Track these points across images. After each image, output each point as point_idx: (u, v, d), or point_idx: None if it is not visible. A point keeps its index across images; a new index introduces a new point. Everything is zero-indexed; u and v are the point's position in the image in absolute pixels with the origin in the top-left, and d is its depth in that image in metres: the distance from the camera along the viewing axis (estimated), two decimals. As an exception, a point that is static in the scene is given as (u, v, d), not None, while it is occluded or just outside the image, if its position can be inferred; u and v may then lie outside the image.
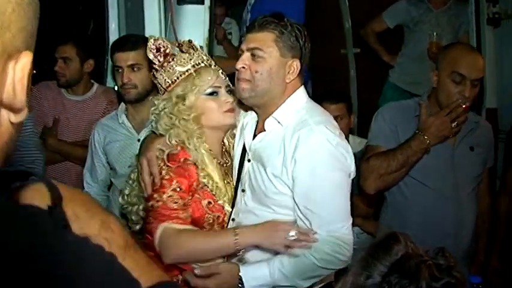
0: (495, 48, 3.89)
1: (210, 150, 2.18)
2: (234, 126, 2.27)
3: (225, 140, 2.31)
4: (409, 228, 2.66)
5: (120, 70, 2.81)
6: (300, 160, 1.98)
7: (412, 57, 4.40)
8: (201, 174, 2.11)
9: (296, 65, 2.08)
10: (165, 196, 2.05)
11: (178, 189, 2.06)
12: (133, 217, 2.26)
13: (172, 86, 2.17)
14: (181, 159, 2.10)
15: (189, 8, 3.00)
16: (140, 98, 2.84)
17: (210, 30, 3.05)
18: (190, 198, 2.09)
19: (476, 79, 2.68)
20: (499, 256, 3.08)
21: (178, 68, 2.15)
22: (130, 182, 2.26)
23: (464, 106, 2.63)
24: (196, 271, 1.97)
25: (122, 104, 2.96)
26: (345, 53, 5.09)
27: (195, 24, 3.01)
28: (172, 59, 2.17)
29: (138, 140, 2.85)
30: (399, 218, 2.80)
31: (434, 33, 4.08)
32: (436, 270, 1.19)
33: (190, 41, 2.23)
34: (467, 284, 1.25)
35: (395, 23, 4.47)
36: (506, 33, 3.95)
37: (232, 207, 2.18)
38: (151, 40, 2.19)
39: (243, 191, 2.16)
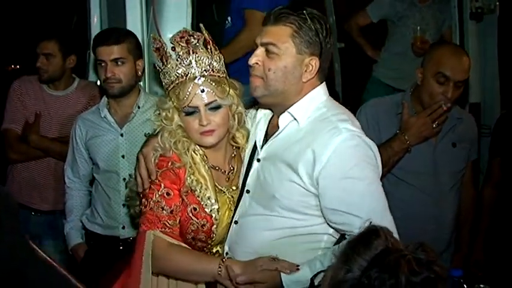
0: (478, 42, 3.92)
1: (205, 156, 2.09)
2: (217, 144, 2.08)
3: (239, 140, 2.16)
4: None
5: (103, 64, 2.77)
6: (328, 163, 1.83)
7: (396, 52, 4.40)
8: (189, 178, 2.03)
9: (315, 63, 1.91)
10: (152, 202, 2.01)
11: (166, 195, 2.01)
12: (132, 211, 2.27)
13: (167, 92, 2.06)
14: (170, 163, 2.02)
15: (171, 2, 2.98)
16: (124, 92, 2.81)
17: (193, 24, 3.03)
18: (179, 204, 2.02)
19: (461, 81, 2.69)
20: (482, 248, 3.12)
21: (166, 79, 2.03)
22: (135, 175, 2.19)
23: (445, 108, 2.65)
24: (239, 279, 1.87)
25: (104, 98, 2.91)
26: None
27: (177, 18, 2.98)
28: (167, 63, 2.01)
29: (121, 135, 2.83)
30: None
31: (418, 28, 4.09)
32: (416, 264, 1.19)
33: (187, 40, 1.99)
34: (448, 278, 1.25)
35: (380, 17, 4.47)
36: (488, 28, 3.99)
37: (236, 208, 2.07)
38: (152, 39, 2.07)
39: (248, 191, 2.03)
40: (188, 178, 2.02)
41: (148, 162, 2.04)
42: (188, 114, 2.00)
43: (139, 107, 2.84)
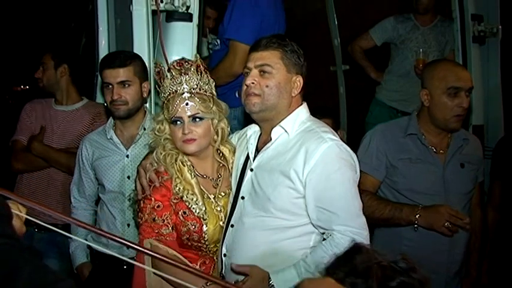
0: (481, 65, 3.95)
1: (192, 166, 2.35)
2: (199, 153, 2.35)
3: (225, 153, 2.43)
4: (403, 245, 2.70)
5: (110, 86, 2.81)
6: (315, 166, 2.12)
7: (399, 74, 4.44)
8: (177, 187, 2.29)
9: (299, 80, 2.26)
10: (146, 214, 2.28)
11: (156, 207, 2.27)
12: (136, 206, 2.45)
13: (163, 107, 2.36)
14: (159, 178, 2.29)
15: (178, 25, 3.04)
16: (130, 114, 2.85)
17: (198, 47, 3.08)
18: (171, 213, 2.28)
19: (470, 88, 2.76)
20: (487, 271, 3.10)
21: (162, 95, 2.35)
22: None
23: (468, 227, 2.68)
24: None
25: (110, 119, 2.95)
26: (334, 70, 5.14)
27: (183, 41, 3.04)
28: (164, 82, 2.33)
29: (127, 156, 2.87)
30: (393, 235, 2.81)
31: (421, 50, 4.13)
32: (391, 270, 1.24)
33: (181, 64, 2.32)
34: (429, 286, 1.29)
35: (383, 40, 4.52)
36: (491, 51, 4.02)
37: (231, 214, 2.31)
38: (155, 64, 2.40)
39: (243, 198, 2.28)
40: (175, 187, 2.29)
41: (142, 178, 2.32)
42: (174, 123, 2.29)
43: (144, 129, 2.88)
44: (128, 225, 2.85)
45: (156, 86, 2.41)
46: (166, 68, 2.32)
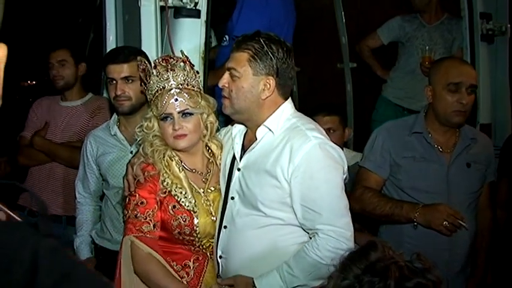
0: (489, 64, 3.93)
1: (180, 161, 2.36)
2: (190, 148, 2.37)
3: (213, 149, 2.44)
4: (405, 243, 2.70)
5: (113, 82, 2.81)
6: (299, 165, 2.11)
7: (404, 71, 4.44)
8: (165, 181, 2.31)
9: (271, 82, 2.18)
10: (129, 211, 2.29)
11: (140, 203, 2.28)
12: None
13: (150, 104, 2.37)
14: (145, 172, 2.30)
15: (185, 22, 3.03)
16: (134, 109, 2.85)
17: (206, 44, 3.08)
18: (154, 210, 2.29)
19: (471, 85, 2.74)
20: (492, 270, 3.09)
21: (149, 93, 2.34)
22: None
23: (467, 229, 2.67)
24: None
25: (114, 115, 2.95)
26: (341, 68, 5.13)
27: (191, 38, 3.03)
28: (149, 80, 2.33)
29: (131, 152, 2.86)
30: (395, 233, 2.83)
31: (427, 48, 4.11)
32: (408, 271, 1.24)
33: (166, 60, 2.32)
34: (442, 287, 1.30)
35: (390, 39, 4.52)
36: (500, 50, 4.00)
37: (222, 215, 2.30)
38: (139, 61, 2.40)
39: (232, 198, 2.28)
40: (163, 181, 2.30)
41: (129, 174, 2.33)
42: (163, 119, 2.29)
43: (148, 125, 2.89)
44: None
45: (142, 84, 2.42)
46: (153, 65, 2.33)
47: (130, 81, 2.80)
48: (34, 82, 7.85)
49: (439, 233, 2.68)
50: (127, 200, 2.32)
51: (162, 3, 3.00)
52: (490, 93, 3.94)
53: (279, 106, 2.23)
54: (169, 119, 2.29)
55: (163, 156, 2.32)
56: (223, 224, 2.29)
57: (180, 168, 2.34)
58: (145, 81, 2.35)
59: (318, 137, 2.15)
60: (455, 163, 2.81)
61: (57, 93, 3.63)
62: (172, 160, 2.33)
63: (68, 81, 3.54)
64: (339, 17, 4.98)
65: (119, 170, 2.86)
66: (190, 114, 2.30)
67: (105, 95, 3.62)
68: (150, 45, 2.98)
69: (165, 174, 2.31)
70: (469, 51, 3.91)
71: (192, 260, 2.35)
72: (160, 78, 2.29)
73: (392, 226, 2.84)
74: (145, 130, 2.34)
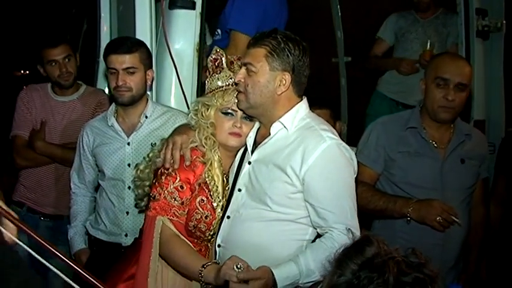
0: (484, 60, 3.94)
1: (221, 159, 2.36)
2: (235, 148, 2.38)
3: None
4: (398, 238, 2.70)
5: (114, 72, 2.78)
6: (313, 165, 2.13)
7: (399, 66, 4.43)
8: (206, 174, 2.30)
9: (287, 78, 2.20)
10: (166, 191, 2.27)
11: (180, 187, 2.27)
12: (139, 191, 2.49)
13: (209, 94, 2.38)
14: (193, 157, 2.29)
15: (180, 13, 3.02)
16: (134, 101, 2.83)
17: (201, 36, 3.06)
18: (190, 197, 2.28)
19: (461, 83, 2.73)
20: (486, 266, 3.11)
21: (218, 82, 2.36)
22: (147, 159, 2.45)
23: (459, 224, 2.67)
24: (239, 275, 2.01)
25: (112, 106, 2.93)
26: (336, 62, 5.12)
27: (185, 29, 3.02)
28: (219, 72, 2.37)
29: (128, 144, 2.85)
30: (388, 228, 2.83)
31: (429, 42, 4.10)
32: (405, 266, 1.25)
33: (239, 59, 2.38)
34: (439, 280, 1.31)
35: (393, 38, 4.49)
36: (495, 46, 4.00)
37: (227, 206, 2.31)
38: (214, 50, 2.40)
39: (239, 190, 2.29)
40: (205, 173, 2.30)
41: (175, 150, 2.30)
42: (225, 114, 2.33)
43: (146, 117, 2.87)
44: (127, 212, 2.84)
45: (208, 71, 2.42)
46: (225, 59, 2.36)
47: (132, 72, 2.78)
48: (27, 72, 7.80)
49: (433, 229, 2.69)
50: (163, 178, 2.29)
51: (157, -6, 2.98)
52: (485, 90, 3.95)
53: (294, 104, 2.26)
54: (231, 115, 2.33)
55: (213, 149, 2.33)
56: (227, 214, 2.30)
57: (221, 167, 2.36)
58: (211, 70, 2.38)
59: (332, 137, 2.18)
60: (449, 159, 2.81)
61: (43, 80, 3.50)
62: (216, 156, 2.35)
63: (75, 77, 3.44)
64: (334, 11, 4.97)
65: (115, 161, 2.85)
66: (251, 120, 2.33)
67: (99, 85, 3.60)
68: (144, 36, 2.97)
69: (209, 167, 2.32)
70: (464, 47, 3.92)
71: None
72: (232, 75, 2.33)
73: (386, 221, 2.84)
74: (201, 116, 2.35)
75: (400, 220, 2.76)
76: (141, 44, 2.87)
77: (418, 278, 1.25)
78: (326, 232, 2.15)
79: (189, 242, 2.28)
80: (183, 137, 2.36)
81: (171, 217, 2.26)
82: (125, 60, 2.77)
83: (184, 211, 2.28)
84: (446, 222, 2.65)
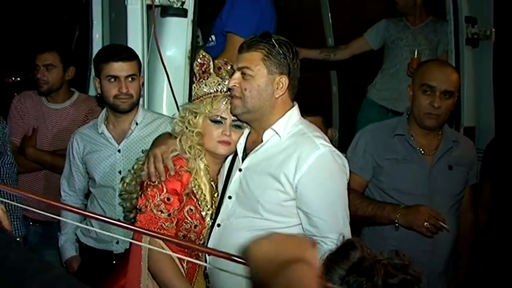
0: (473, 68, 3.97)
1: (208, 167, 2.33)
2: (223, 157, 2.36)
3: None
4: (387, 244, 2.71)
5: (114, 80, 2.76)
6: (306, 173, 2.11)
7: (389, 73, 4.43)
8: (193, 183, 2.26)
9: (284, 80, 2.19)
10: (153, 204, 2.23)
11: (166, 200, 2.23)
12: (127, 204, 2.49)
13: (197, 100, 2.34)
14: (177, 166, 2.25)
15: (172, 21, 3.02)
16: (132, 108, 2.84)
17: (193, 43, 3.07)
18: (177, 208, 2.24)
19: (447, 91, 2.74)
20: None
21: (205, 89, 2.32)
22: (133, 171, 2.44)
23: (448, 230, 2.69)
24: None
25: (103, 112, 2.92)
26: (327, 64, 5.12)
27: (177, 37, 3.03)
28: (207, 78, 2.33)
29: (119, 151, 2.85)
30: (378, 235, 2.84)
31: (416, 50, 4.13)
32: (391, 268, 1.27)
33: (227, 63, 2.36)
34: (421, 280, 1.33)
35: (378, 43, 4.50)
36: (484, 54, 4.04)
37: (217, 213, 2.30)
38: (201, 55, 2.36)
39: (230, 197, 2.27)
40: (192, 182, 2.26)
41: (157, 162, 2.25)
42: (214, 122, 2.29)
43: (137, 124, 2.86)
44: (118, 220, 2.84)
45: (195, 76, 2.39)
46: (212, 64, 2.33)
47: (132, 79, 2.78)
48: (19, 79, 7.77)
49: (421, 235, 2.70)
50: (149, 190, 2.24)
51: (148, 2, 2.99)
52: (474, 97, 3.98)
53: (288, 108, 2.24)
54: (221, 123, 2.29)
55: (199, 157, 2.29)
56: (217, 222, 2.28)
57: (209, 175, 2.33)
58: (198, 76, 2.34)
59: (325, 145, 2.17)
60: (437, 165, 2.83)
61: (36, 87, 3.51)
62: (202, 163, 2.31)
63: (51, 87, 3.44)
64: (325, 18, 5.00)
65: (105, 168, 2.85)
66: (240, 127, 2.31)
67: (91, 92, 3.60)
68: (136, 43, 2.97)
69: (195, 175, 2.27)
70: (454, 54, 3.95)
71: (185, 262, 2.31)
72: (223, 81, 2.30)
73: (375, 228, 2.86)
74: (188, 124, 2.31)
75: (388, 226, 2.77)
76: (134, 53, 2.87)
77: (405, 279, 1.28)
78: (317, 243, 2.14)
79: (179, 256, 2.25)
80: (162, 147, 2.31)
81: (158, 229, 2.21)
82: (127, 68, 2.77)
83: (172, 223, 2.24)
84: (434, 227, 2.66)
